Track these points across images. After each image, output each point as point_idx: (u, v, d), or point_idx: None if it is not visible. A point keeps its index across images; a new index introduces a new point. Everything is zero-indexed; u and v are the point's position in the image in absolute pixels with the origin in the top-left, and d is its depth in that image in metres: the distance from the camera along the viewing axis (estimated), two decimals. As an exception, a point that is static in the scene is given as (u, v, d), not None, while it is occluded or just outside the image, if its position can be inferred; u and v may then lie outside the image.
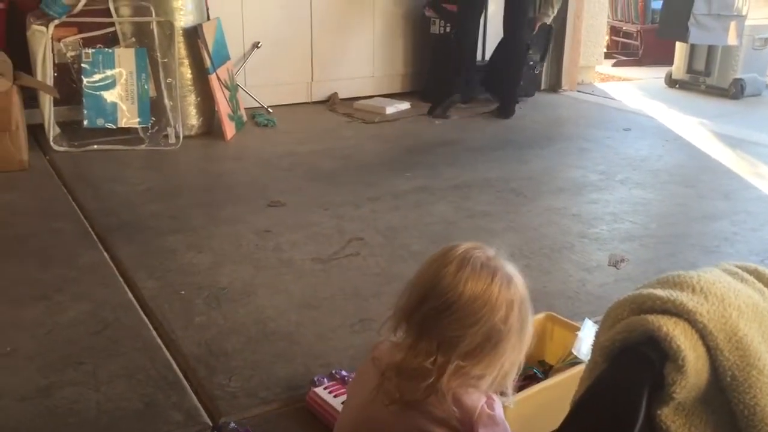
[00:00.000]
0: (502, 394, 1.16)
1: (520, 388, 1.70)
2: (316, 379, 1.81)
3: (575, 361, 1.72)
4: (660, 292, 0.69)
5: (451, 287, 1.08)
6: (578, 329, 1.80)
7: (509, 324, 1.09)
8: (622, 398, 0.66)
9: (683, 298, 0.67)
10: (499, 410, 1.13)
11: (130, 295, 2.33)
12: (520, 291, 1.12)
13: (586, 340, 1.73)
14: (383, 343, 1.21)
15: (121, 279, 2.43)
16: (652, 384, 0.66)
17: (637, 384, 0.65)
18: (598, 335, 0.72)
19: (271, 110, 4.66)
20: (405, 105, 4.94)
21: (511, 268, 1.14)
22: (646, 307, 0.69)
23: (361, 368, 1.29)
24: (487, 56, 5.49)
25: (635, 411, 0.64)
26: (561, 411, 0.74)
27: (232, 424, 1.64)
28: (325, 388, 1.74)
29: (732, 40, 5.36)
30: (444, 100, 4.69)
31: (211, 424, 1.70)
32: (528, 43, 4.85)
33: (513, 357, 1.12)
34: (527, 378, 1.77)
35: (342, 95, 5.05)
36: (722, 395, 0.67)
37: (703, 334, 0.66)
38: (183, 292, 2.34)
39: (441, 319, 1.08)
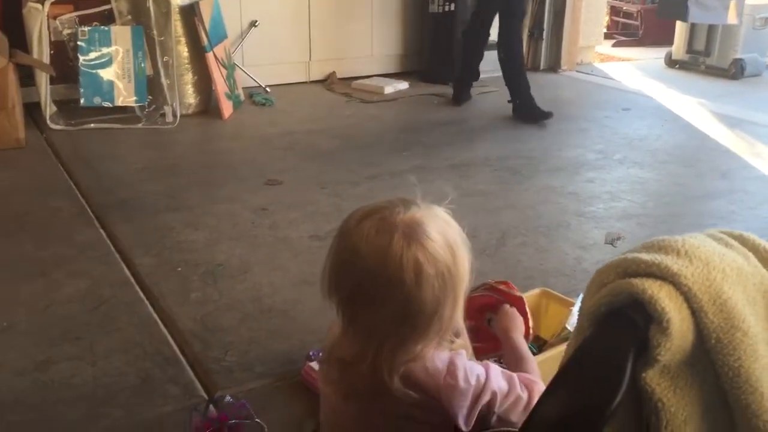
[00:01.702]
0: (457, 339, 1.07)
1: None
2: (311, 353, 1.82)
3: (569, 336, 1.72)
4: (645, 256, 0.69)
5: (356, 268, 0.97)
6: (572, 305, 1.80)
7: (425, 287, 0.95)
8: (607, 361, 0.66)
9: (668, 261, 0.68)
10: (462, 373, 1.00)
11: (127, 272, 2.34)
12: (431, 243, 0.97)
13: (580, 315, 1.74)
14: (332, 328, 1.12)
15: (118, 256, 2.44)
16: (637, 347, 0.66)
17: (622, 347, 0.66)
18: (584, 300, 0.72)
19: (268, 89, 4.64)
20: (404, 85, 4.92)
21: (422, 215, 0.99)
22: (631, 271, 0.69)
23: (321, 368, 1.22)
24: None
25: (620, 374, 0.64)
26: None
27: (228, 398, 1.65)
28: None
29: (732, 19, 5.32)
30: (462, 85, 4.54)
31: (207, 397, 1.72)
32: (520, 34, 4.40)
33: (449, 311, 0.99)
34: (521, 352, 1.78)
35: (340, 75, 5.03)
36: (707, 357, 0.68)
37: (688, 297, 0.66)
38: (179, 269, 2.34)
39: (356, 302, 1.00)
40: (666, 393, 0.68)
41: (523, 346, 1.28)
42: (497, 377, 1.05)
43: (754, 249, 0.74)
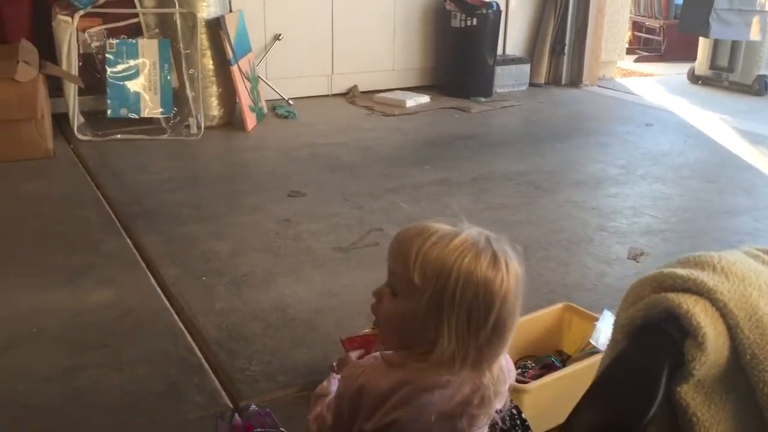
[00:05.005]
0: None
1: (537, 376, 1.72)
2: (334, 364, 1.83)
3: (593, 351, 1.72)
4: (681, 271, 0.70)
5: (496, 305, 1.03)
6: (596, 319, 1.80)
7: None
8: (641, 374, 0.67)
9: (704, 277, 0.68)
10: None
11: (153, 281, 2.37)
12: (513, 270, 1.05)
13: (604, 330, 1.74)
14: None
15: (144, 265, 2.47)
16: (672, 361, 0.66)
17: (657, 360, 0.66)
18: (618, 314, 0.73)
19: (291, 102, 4.69)
20: (425, 98, 4.94)
21: (490, 236, 1.08)
22: (666, 286, 0.69)
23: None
24: (508, 50, 5.51)
25: (655, 387, 0.65)
26: (577, 400, 0.74)
27: (253, 407, 1.66)
28: (344, 374, 1.76)
29: (755, 35, 5.30)
30: None
31: (232, 406, 1.73)
32: None
33: None
34: (545, 366, 1.78)
35: (362, 88, 5.07)
36: (742, 373, 0.68)
37: (724, 313, 0.66)
38: (204, 279, 2.37)
39: (496, 335, 1.04)
40: (701, 408, 0.68)
41: None
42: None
43: (789, 266, 0.74)
